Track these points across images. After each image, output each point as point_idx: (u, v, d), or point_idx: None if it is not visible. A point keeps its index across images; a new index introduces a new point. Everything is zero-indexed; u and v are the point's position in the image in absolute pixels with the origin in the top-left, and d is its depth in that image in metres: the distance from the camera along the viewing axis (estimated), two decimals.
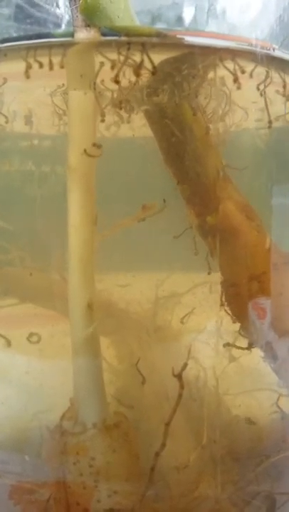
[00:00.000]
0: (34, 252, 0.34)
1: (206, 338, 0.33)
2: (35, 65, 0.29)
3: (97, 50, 0.28)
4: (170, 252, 0.33)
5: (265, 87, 0.29)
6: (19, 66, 0.29)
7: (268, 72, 0.29)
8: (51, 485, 0.26)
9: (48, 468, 0.27)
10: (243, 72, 0.28)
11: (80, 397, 0.27)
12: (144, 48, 0.28)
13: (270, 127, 0.31)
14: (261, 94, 0.29)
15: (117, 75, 0.26)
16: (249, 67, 0.29)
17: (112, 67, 0.27)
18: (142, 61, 0.27)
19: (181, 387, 0.25)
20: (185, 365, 0.26)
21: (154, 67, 0.27)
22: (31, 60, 0.29)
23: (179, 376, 0.26)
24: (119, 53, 0.27)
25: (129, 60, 0.28)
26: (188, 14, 0.38)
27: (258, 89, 0.29)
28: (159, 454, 0.25)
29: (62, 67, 0.28)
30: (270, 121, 0.30)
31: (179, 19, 0.39)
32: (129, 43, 0.27)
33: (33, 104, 0.34)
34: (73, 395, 0.27)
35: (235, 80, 0.28)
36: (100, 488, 0.25)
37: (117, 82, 0.27)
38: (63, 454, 0.26)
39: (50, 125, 0.33)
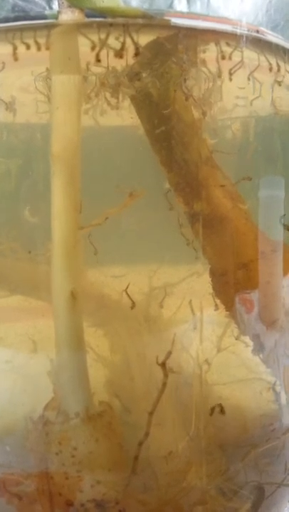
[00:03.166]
0: (23, 242, 0.33)
1: (195, 328, 0.32)
2: (21, 48, 0.28)
3: (81, 32, 0.27)
4: (161, 241, 0.33)
5: (256, 72, 0.28)
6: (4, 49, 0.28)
7: (255, 56, 0.29)
8: (35, 476, 0.26)
9: (31, 459, 0.27)
10: (227, 56, 0.28)
11: (63, 387, 0.27)
12: (128, 29, 0.27)
13: (256, 114, 0.30)
14: (249, 79, 0.29)
15: (98, 54, 0.26)
16: (235, 51, 0.28)
17: (93, 48, 0.26)
18: (124, 43, 0.26)
19: (165, 375, 0.25)
20: (169, 353, 0.26)
21: (137, 48, 0.26)
22: (17, 42, 0.28)
23: (162, 365, 0.25)
24: (105, 34, 0.27)
25: (114, 42, 0.27)
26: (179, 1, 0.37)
27: (245, 75, 0.29)
28: (142, 444, 0.25)
29: (47, 48, 0.28)
30: (256, 108, 0.30)
31: (170, 7, 0.38)
32: (111, 24, 0.26)
33: (17, 91, 0.33)
34: (56, 384, 0.27)
35: (221, 65, 0.28)
36: (83, 479, 0.25)
37: (98, 60, 0.26)
38: (46, 444, 0.26)
39: (35, 112, 0.33)
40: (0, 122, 0.34)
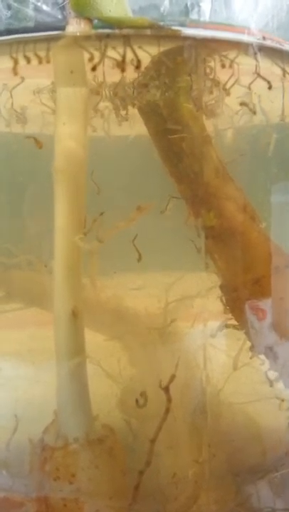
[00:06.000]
0: (37, 255, 0.33)
1: (207, 345, 0.31)
2: (22, 62, 0.28)
3: (91, 44, 0.27)
4: (174, 255, 0.32)
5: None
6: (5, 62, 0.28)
7: (266, 65, 0.27)
8: (35, 501, 0.25)
9: (30, 483, 0.26)
10: (236, 65, 0.27)
11: (63, 410, 0.26)
12: (136, 40, 0.26)
13: (268, 123, 0.29)
14: (256, 88, 0.27)
15: (95, 66, 0.25)
16: (245, 59, 0.27)
17: (100, 60, 0.25)
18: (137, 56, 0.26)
19: (168, 400, 0.24)
20: (173, 377, 0.24)
21: (138, 60, 0.25)
22: (19, 56, 0.28)
23: (166, 389, 0.24)
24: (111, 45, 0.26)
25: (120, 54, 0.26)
26: (193, 8, 0.37)
27: (256, 83, 0.27)
28: (143, 473, 0.24)
29: (48, 61, 0.27)
30: (267, 117, 0.28)
31: (185, 13, 0.37)
32: (108, 36, 0.25)
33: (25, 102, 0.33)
34: (57, 407, 0.26)
35: (231, 74, 0.26)
36: (82, 506, 0.24)
37: (93, 69, 0.25)
38: (44, 469, 0.25)
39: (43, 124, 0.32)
40: (15, 133, 0.33)
